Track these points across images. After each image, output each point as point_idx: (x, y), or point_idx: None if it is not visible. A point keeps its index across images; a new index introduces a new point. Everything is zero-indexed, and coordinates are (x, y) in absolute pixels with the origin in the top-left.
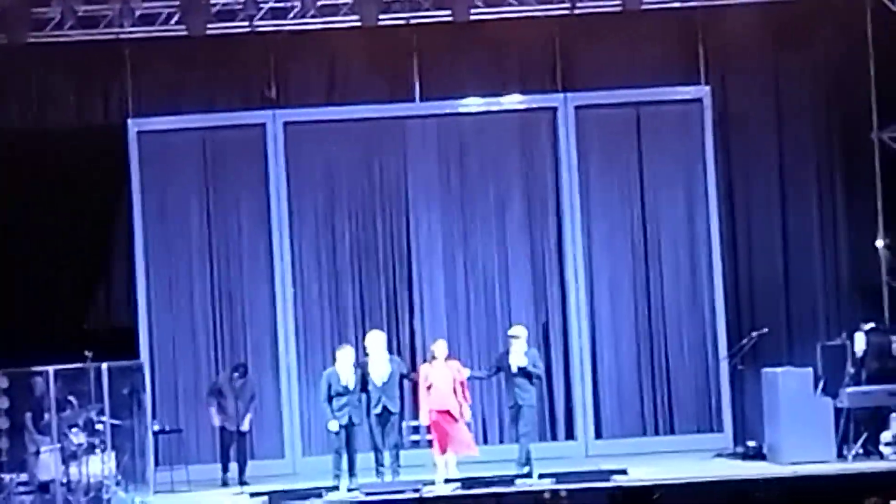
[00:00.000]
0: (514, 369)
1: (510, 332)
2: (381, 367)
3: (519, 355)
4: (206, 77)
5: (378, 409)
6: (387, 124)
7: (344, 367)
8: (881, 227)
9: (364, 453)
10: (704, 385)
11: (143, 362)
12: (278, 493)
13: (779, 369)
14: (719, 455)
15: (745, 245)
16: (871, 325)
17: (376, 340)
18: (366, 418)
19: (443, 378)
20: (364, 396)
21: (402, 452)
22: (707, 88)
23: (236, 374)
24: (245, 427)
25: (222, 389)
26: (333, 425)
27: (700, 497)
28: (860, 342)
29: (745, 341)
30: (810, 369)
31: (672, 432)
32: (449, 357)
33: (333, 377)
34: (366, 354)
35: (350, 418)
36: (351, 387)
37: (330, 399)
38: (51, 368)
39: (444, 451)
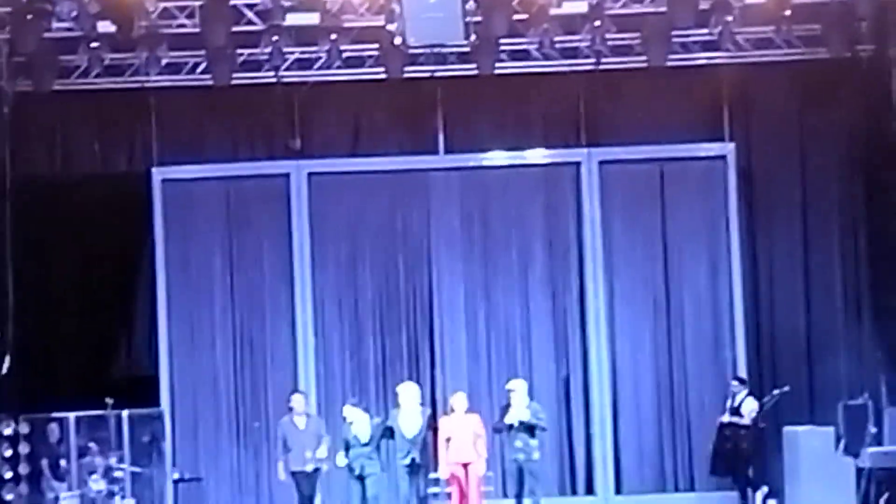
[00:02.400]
0: (515, 423)
1: (508, 386)
2: (412, 419)
3: (520, 409)
4: (231, 127)
5: (407, 461)
6: (410, 177)
7: (359, 421)
8: None
9: None
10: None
11: (164, 410)
12: None
13: (800, 428)
14: None
15: (767, 303)
16: None
17: (409, 392)
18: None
19: (462, 431)
20: (388, 447)
21: None
22: (731, 146)
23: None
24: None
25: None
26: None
27: None
28: None
29: (766, 399)
30: (832, 428)
31: (692, 489)
32: (469, 410)
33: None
34: (396, 405)
35: (362, 469)
36: (364, 440)
37: (347, 448)
38: (71, 415)
39: None
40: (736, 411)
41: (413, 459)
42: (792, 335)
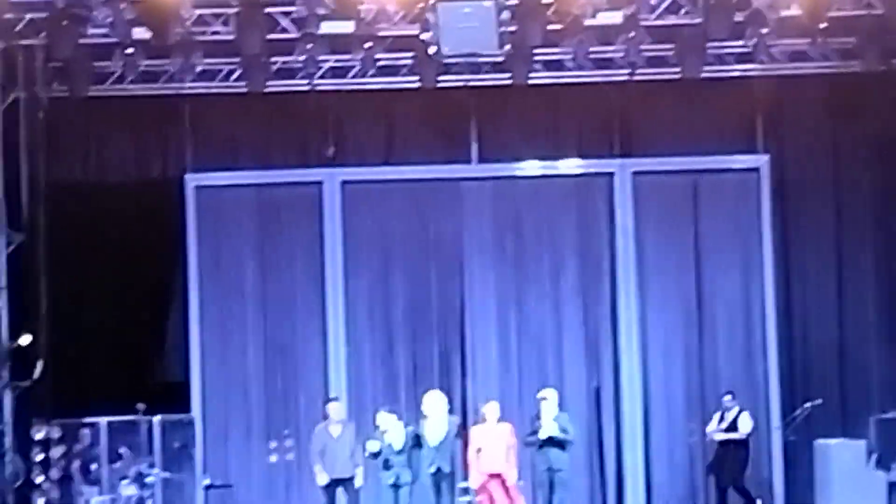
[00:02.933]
0: (544, 437)
1: (539, 395)
2: (438, 427)
3: (550, 421)
4: (265, 134)
5: (432, 469)
6: (443, 186)
7: (393, 428)
8: None
9: None
10: (756, 455)
11: (195, 416)
12: None
13: (832, 441)
14: None
15: (800, 315)
16: None
17: (435, 401)
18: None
19: (494, 441)
20: (418, 456)
21: None
22: (765, 157)
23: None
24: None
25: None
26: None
27: None
28: None
29: (798, 412)
30: (864, 442)
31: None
32: (500, 419)
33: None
34: (423, 414)
35: (397, 478)
36: (397, 448)
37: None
38: (103, 420)
39: None
40: (731, 428)
41: (439, 468)
42: (824, 347)
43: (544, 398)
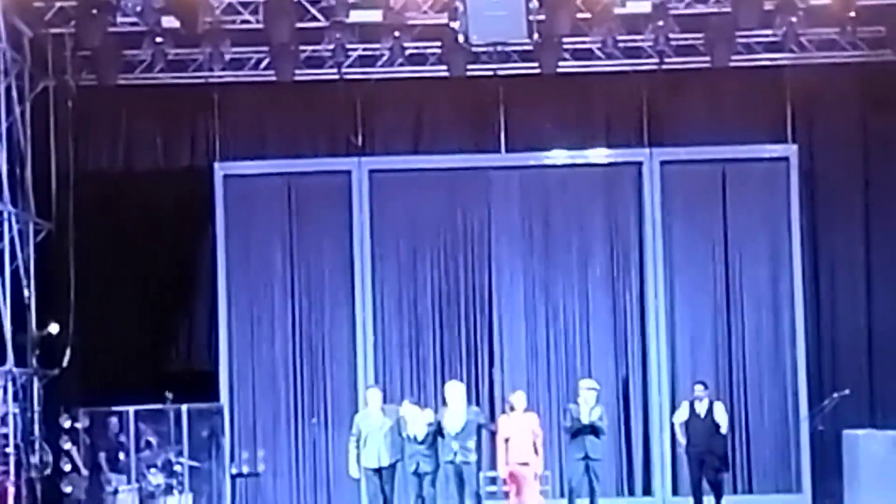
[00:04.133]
0: (586, 422)
1: (588, 385)
2: (457, 417)
3: (588, 409)
4: (293, 123)
5: (450, 457)
6: (471, 175)
7: (415, 417)
8: None
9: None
10: (784, 445)
11: (223, 405)
12: None
13: (860, 431)
14: None
15: (828, 305)
16: None
17: (454, 390)
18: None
19: (521, 430)
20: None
21: None
22: (794, 147)
23: None
24: None
25: None
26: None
27: None
28: None
29: (826, 402)
30: (893, 432)
31: (750, 491)
32: (528, 409)
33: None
34: (444, 404)
35: (418, 466)
36: (420, 437)
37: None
38: (131, 409)
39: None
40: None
41: (455, 456)
42: (853, 337)
43: (592, 388)
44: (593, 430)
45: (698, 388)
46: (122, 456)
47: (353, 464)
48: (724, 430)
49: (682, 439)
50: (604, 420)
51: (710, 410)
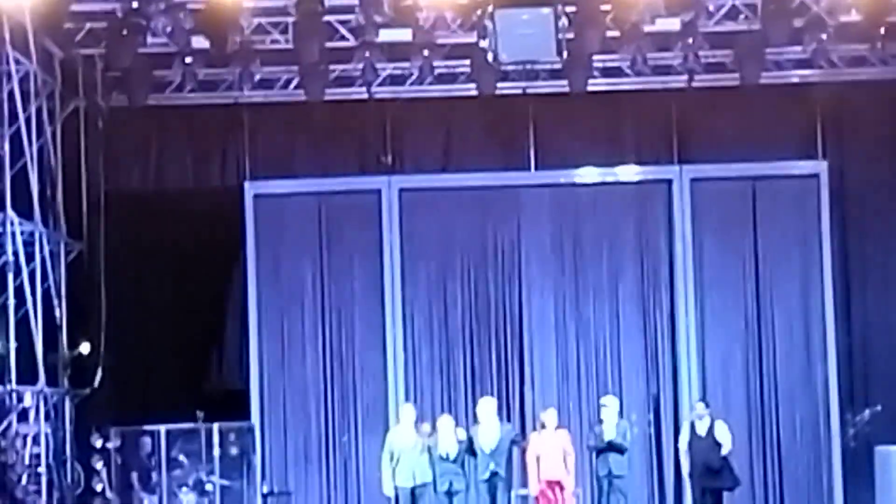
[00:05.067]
0: (606, 440)
1: (602, 401)
2: (490, 433)
3: (610, 427)
4: (323, 142)
5: (486, 475)
6: (501, 193)
7: (446, 435)
8: None
9: None
10: (816, 462)
11: (255, 424)
12: None
13: (893, 447)
14: None
15: (859, 321)
16: None
17: (487, 407)
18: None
19: (552, 448)
20: (472, 462)
21: None
22: (824, 164)
23: None
24: None
25: None
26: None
27: None
28: None
29: (858, 418)
30: None
31: None
32: (559, 426)
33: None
34: (476, 421)
35: (451, 485)
36: (452, 456)
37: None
38: (163, 428)
39: None
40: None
41: (492, 474)
42: (885, 353)
43: (606, 405)
44: (615, 447)
45: (699, 406)
46: (153, 475)
47: (387, 481)
48: (725, 450)
49: (685, 465)
50: (627, 436)
51: (710, 430)
